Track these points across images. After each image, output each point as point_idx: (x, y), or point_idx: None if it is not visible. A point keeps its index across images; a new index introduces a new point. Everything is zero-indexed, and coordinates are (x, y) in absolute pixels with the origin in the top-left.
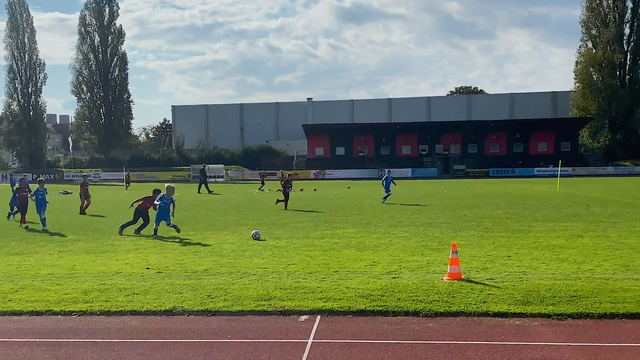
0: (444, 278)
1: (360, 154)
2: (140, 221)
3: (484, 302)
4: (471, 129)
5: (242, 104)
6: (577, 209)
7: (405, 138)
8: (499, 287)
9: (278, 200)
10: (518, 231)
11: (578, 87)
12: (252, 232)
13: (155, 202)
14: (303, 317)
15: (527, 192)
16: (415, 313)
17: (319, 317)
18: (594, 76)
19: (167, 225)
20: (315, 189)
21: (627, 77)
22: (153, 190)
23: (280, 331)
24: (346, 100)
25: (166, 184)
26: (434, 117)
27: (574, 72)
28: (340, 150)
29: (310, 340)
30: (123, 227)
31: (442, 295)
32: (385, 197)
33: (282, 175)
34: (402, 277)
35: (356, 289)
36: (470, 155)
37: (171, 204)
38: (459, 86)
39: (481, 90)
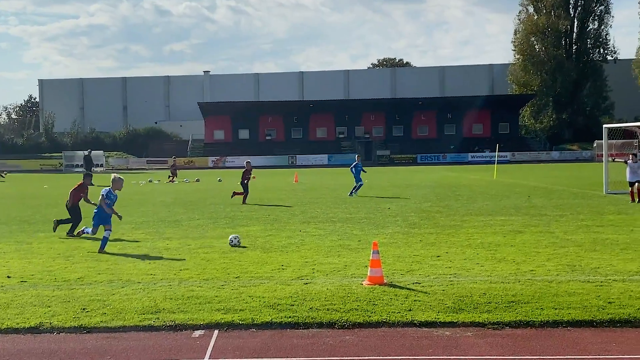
0: (364, 283)
1: (268, 137)
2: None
3: (409, 310)
4: (396, 108)
5: (125, 77)
6: (516, 200)
7: (320, 119)
8: (426, 293)
9: (235, 193)
10: (449, 227)
11: (518, 59)
12: (230, 237)
13: (102, 201)
14: (197, 333)
15: (459, 182)
16: (330, 324)
17: (216, 331)
18: (536, 46)
19: (93, 232)
20: (220, 179)
21: (574, 47)
22: (84, 175)
23: (170, 350)
24: (250, 74)
25: (113, 175)
26: (354, 94)
27: (513, 41)
28: (244, 133)
29: None
30: (70, 232)
31: (362, 303)
32: (355, 189)
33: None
34: (315, 283)
35: (261, 298)
36: (396, 139)
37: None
38: (382, 58)
39: (408, 63)
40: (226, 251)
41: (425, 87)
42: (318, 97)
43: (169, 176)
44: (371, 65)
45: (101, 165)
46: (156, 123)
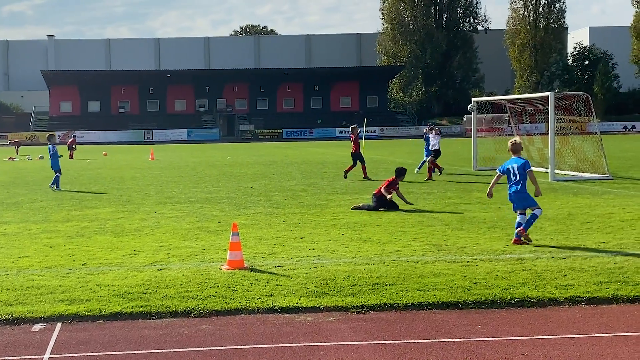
0: (223, 267)
1: (121, 110)
2: None
3: (271, 295)
4: (260, 80)
5: None
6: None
7: (178, 90)
8: (288, 277)
9: (346, 171)
10: (314, 206)
11: (386, 28)
12: None
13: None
14: (38, 326)
15: (326, 158)
16: (186, 313)
17: (59, 324)
18: (405, 15)
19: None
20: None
21: (444, 16)
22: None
23: (6, 346)
24: (101, 40)
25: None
26: (215, 63)
27: (382, 9)
28: (94, 106)
29: (46, 356)
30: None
31: (220, 289)
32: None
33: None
34: (170, 269)
35: (110, 287)
36: (260, 113)
37: None
38: (246, 25)
39: (272, 31)
40: (72, 236)
41: (291, 57)
42: (176, 66)
43: (71, 152)
44: (233, 33)
45: None
46: None
